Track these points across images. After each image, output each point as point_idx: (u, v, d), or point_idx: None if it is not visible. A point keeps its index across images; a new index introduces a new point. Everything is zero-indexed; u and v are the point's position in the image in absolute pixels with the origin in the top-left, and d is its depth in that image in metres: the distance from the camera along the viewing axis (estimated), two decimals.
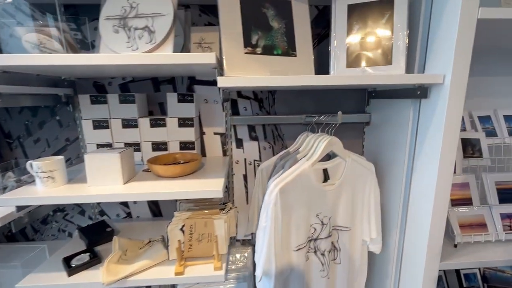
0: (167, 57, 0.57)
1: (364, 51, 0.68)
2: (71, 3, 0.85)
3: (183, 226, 0.75)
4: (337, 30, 0.70)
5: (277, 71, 0.66)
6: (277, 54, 0.66)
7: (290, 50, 0.68)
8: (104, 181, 0.66)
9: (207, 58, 0.57)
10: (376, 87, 0.92)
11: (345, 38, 0.69)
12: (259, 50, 0.64)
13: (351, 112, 0.99)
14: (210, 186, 0.65)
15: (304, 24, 0.70)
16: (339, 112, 0.66)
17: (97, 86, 0.92)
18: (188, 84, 0.94)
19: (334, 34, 0.70)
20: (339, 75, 0.66)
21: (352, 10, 0.69)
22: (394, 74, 0.66)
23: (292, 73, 0.68)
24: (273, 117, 0.97)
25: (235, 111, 0.97)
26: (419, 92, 0.68)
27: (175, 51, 0.84)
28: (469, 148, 0.92)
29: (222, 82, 0.58)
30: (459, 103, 0.61)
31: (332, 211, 0.73)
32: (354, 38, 0.69)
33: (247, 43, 0.63)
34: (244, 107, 0.97)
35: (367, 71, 0.68)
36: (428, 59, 0.67)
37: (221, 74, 0.62)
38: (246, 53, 0.63)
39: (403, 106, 0.78)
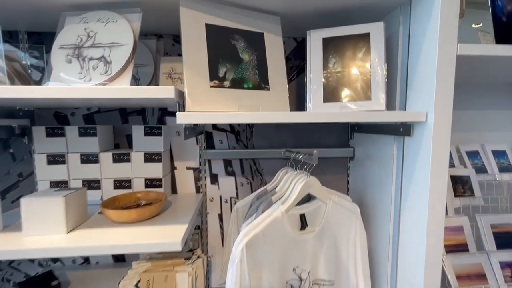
0: (118, 90, 0.51)
1: (342, 85, 0.64)
2: (35, 30, 0.80)
3: (139, 281, 0.64)
4: (313, 63, 0.66)
5: (247, 106, 0.60)
6: (248, 88, 0.61)
7: (262, 83, 0.63)
8: (43, 230, 0.56)
9: (165, 92, 0.51)
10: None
11: (321, 72, 0.65)
12: (227, 83, 0.59)
13: (334, 146, 0.94)
14: (168, 237, 0.56)
15: (277, 56, 0.66)
16: (315, 152, 0.59)
17: (59, 116, 0.84)
18: (159, 116, 0.88)
19: (310, 68, 0.66)
20: (315, 112, 0.61)
21: (328, 43, 0.65)
22: (374, 111, 0.61)
23: (264, 108, 0.62)
24: (251, 151, 0.90)
25: (210, 144, 0.90)
26: (402, 129, 0.63)
27: (143, 81, 0.79)
28: (459, 186, 0.86)
29: (181, 118, 0.51)
30: (445, 141, 0.56)
31: (312, 263, 0.64)
32: (330, 72, 0.65)
33: (213, 75, 0.57)
34: (219, 140, 0.91)
35: (345, 106, 0.63)
36: (409, 95, 0.63)
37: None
38: (212, 86, 0.57)
39: (386, 142, 0.72)
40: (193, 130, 0.69)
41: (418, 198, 0.60)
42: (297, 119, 0.55)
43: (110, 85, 0.54)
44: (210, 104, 0.56)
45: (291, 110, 0.90)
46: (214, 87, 0.57)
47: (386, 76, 0.62)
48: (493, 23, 0.62)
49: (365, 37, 0.63)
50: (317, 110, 0.65)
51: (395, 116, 0.56)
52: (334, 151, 0.92)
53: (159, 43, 0.81)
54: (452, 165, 0.91)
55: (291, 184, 0.67)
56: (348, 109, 0.63)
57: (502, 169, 0.92)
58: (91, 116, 0.86)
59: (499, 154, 0.94)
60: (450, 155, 0.92)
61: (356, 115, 0.56)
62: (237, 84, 0.60)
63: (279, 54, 0.66)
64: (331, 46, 0.65)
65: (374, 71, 0.62)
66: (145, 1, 0.60)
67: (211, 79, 0.57)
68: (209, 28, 0.58)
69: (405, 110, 0.65)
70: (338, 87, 0.64)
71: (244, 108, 0.59)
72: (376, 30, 0.62)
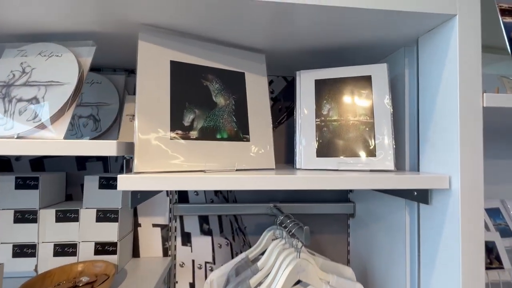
0: (37, 145, 0.38)
1: (339, 137, 0.52)
2: None
3: None
4: (303, 110, 0.55)
5: (217, 164, 0.47)
6: (222, 139, 0.49)
7: (240, 133, 0.51)
8: None
9: (104, 148, 0.38)
10: None
11: (314, 120, 0.54)
12: (194, 133, 0.46)
13: (332, 200, 0.79)
14: None
15: (261, 100, 0.55)
16: (306, 228, 0.45)
17: (0, 161, 0.70)
18: (124, 162, 0.74)
19: (300, 115, 0.54)
20: (306, 176, 0.48)
21: (321, 86, 0.55)
22: (380, 172, 0.48)
23: (243, 163, 0.49)
24: (232, 206, 0.75)
25: (183, 197, 0.76)
26: (417, 194, 0.50)
27: (104, 123, 0.67)
28: (484, 255, 0.71)
29: (123, 183, 0.38)
30: (477, 213, 0.42)
31: None
32: (325, 121, 0.53)
33: (176, 124, 0.45)
34: (195, 192, 0.76)
35: (344, 163, 0.51)
36: (423, 150, 0.51)
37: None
38: (173, 138, 0.44)
39: (395, 204, 0.58)
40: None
41: (444, 278, 0.45)
42: (282, 185, 0.42)
43: (35, 135, 0.41)
44: (167, 162, 0.43)
45: (280, 160, 0.77)
46: (176, 138, 0.45)
47: (393, 127, 0.50)
48: None
49: (366, 80, 0.53)
50: (310, 166, 0.52)
51: (409, 182, 0.43)
52: (330, 206, 0.77)
53: (128, 79, 0.71)
54: None
55: (277, 261, 0.51)
56: (348, 167, 0.50)
57: None
58: (41, 161, 0.72)
59: None
60: None
61: (359, 181, 0.43)
62: (208, 134, 0.47)
63: (263, 97, 0.55)
64: (325, 89, 0.54)
65: (378, 121, 0.50)
66: (101, 32, 0.50)
67: (172, 128, 0.45)
68: (175, 66, 0.47)
69: (418, 168, 0.52)
70: (334, 139, 0.52)
71: (214, 166, 0.46)
72: (378, 73, 0.52)
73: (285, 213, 0.59)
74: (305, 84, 0.55)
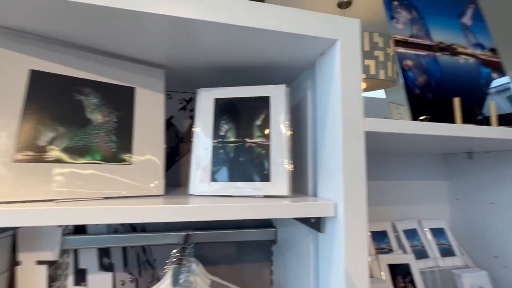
0: None
1: (235, 160, 0.48)
2: None
3: None
4: (201, 130, 0.50)
5: (84, 189, 0.40)
6: (93, 161, 0.42)
7: (120, 155, 0.44)
8: None
9: None
10: None
11: (211, 142, 0.50)
12: (52, 155, 0.39)
13: (253, 226, 0.75)
14: None
15: (153, 119, 0.50)
16: (174, 267, 0.39)
17: None
18: None
19: (197, 136, 0.50)
20: (184, 205, 0.43)
21: (221, 106, 0.51)
22: (271, 198, 0.45)
23: (118, 189, 0.43)
24: (140, 235, 0.66)
25: (79, 226, 0.65)
26: (314, 222, 0.47)
27: None
28: (399, 277, 0.71)
29: None
30: (360, 242, 0.40)
31: None
32: (222, 142, 0.49)
33: (26, 143, 0.37)
34: None
35: (238, 188, 0.47)
36: (319, 178, 0.49)
37: None
38: (19, 160, 0.37)
39: (302, 231, 0.56)
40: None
41: None
42: (156, 217, 0.36)
43: None
44: (7, 190, 0.35)
45: (185, 183, 0.71)
46: (23, 161, 0.37)
47: (290, 150, 0.48)
48: (406, 96, 0.55)
49: (264, 101, 0.51)
50: (203, 191, 0.48)
51: (293, 210, 0.40)
52: (251, 233, 0.72)
53: None
54: (389, 248, 0.77)
55: None
56: (242, 192, 0.46)
57: (443, 252, 0.80)
58: None
59: (437, 233, 0.83)
60: (387, 236, 0.78)
61: (240, 211, 0.39)
62: (73, 156, 0.41)
63: (156, 115, 0.50)
64: (224, 109, 0.51)
65: (274, 144, 0.48)
66: None
67: (20, 149, 0.37)
68: (37, 76, 0.40)
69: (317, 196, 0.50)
70: (230, 162, 0.48)
71: (77, 193, 0.39)
72: (277, 94, 0.51)
73: (181, 245, 0.52)
74: (204, 103, 0.52)
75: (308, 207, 0.41)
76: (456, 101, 0.56)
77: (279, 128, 0.49)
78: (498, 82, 0.65)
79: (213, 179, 0.48)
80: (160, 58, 0.51)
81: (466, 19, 0.69)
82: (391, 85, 2.64)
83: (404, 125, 0.43)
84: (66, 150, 0.40)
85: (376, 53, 2.58)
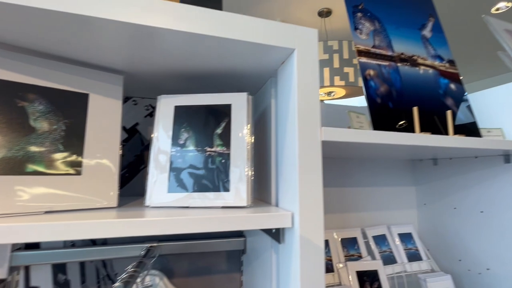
0: None
1: (194, 169, 0.47)
2: None
3: None
4: (160, 139, 0.49)
5: (23, 203, 0.37)
6: (35, 172, 0.39)
7: (68, 164, 0.42)
8: None
9: None
10: None
11: (169, 151, 0.48)
12: None
13: (221, 236, 0.73)
14: None
15: (108, 127, 0.47)
16: (116, 286, 0.37)
17: None
18: None
19: (155, 144, 0.48)
20: (147, 217, 0.41)
21: (181, 113, 0.50)
22: (227, 209, 0.44)
23: (64, 202, 0.40)
24: (99, 249, 0.63)
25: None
26: (274, 232, 0.47)
27: None
28: (367, 284, 0.71)
29: None
30: (315, 251, 0.40)
31: None
32: (180, 151, 0.48)
33: None
34: None
35: (195, 199, 0.45)
36: (280, 188, 0.48)
37: None
38: None
39: (265, 241, 0.55)
40: None
41: None
42: (102, 233, 0.33)
43: None
44: None
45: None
46: None
47: (251, 159, 0.47)
48: (368, 104, 0.56)
49: (226, 109, 0.50)
50: (160, 202, 0.46)
51: (246, 222, 0.39)
52: (219, 243, 0.70)
53: None
54: (359, 255, 0.77)
55: None
56: (199, 203, 0.45)
57: (411, 256, 0.82)
58: None
59: (405, 238, 0.85)
60: (357, 242, 0.79)
61: (196, 224, 0.37)
62: (11, 167, 0.38)
63: (113, 123, 0.48)
64: (184, 117, 0.50)
65: (235, 152, 0.47)
66: None
67: None
68: None
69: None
70: (189, 171, 0.47)
71: (14, 207, 0.36)
72: (238, 102, 0.50)
73: (139, 259, 0.50)
74: (165, 110, 0.50)
75: (263, 218, 0.40)
76: (415, 111, 0.58)
77: (240, 136, 0.48)
78: (456, 92, 0.68)
79: (171, 190, 0.46)
80: (118, 64, 0.49)
81: (426, 32, 0.72)
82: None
83: (359, 134, 0.44)
84: (3, 161, 0.37)
85: (355, 61, 2.66)
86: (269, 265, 0.52)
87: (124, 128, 0.70)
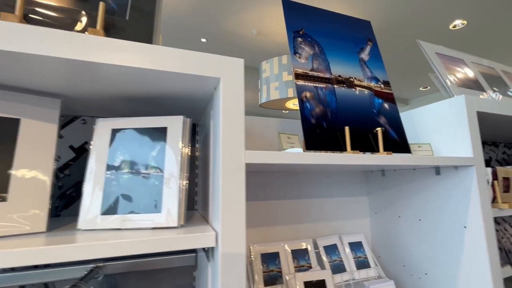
0: None
1: (128, 191, 0.48)
2: None
3: None
4: (96, 161, 0.50)
5: None
6: None
7: None
8: None
9: None
10: None
11: (104, 174, 0.49)
12: None
13: (173, 252, 0.74)
14: None
15: (40, 152, 0.48)
16: None
17: None
18: None
19: (91, 167, 0.49)
20: (70, 243, 0.41)
21: (118, 136, 0.51)
22: (157, 230, 0.45)
23: None
24: (40, 272, 0.62)
25: None
26: (206, 250, 0.49)
27: None
28: None
29: None
30: (236, 270, 0.42)
31: None
32: (115, 174, 0.49)
33: None
34: None
35: (128, 220, 0.46)
36: (213, 209, 0.51)
37: None
38: None
39: (204, 257, 0.56)
40: None
41: None
42: (26, 260, 0.34)
43: None
44: None
45: None
46: None
47: (185, 182, 0.49)
48: (302, 125, 0.60)
49: (162, 132, 0.52)
50: (93, 225, 0.46)
51: (167, 244, 0.41)
52: (171, 259, 0.71)
53: None
54: (309, 265, 0.80)
55: None
56: (131, 224, 0.46)
57: (359, 264, 0.86)
58: None
59: (356, 247, 0.90)
60: (307, 253, 0.82)
61: (111, 248, 0.39)
62: None
63: (46, 148, 0.48)
64: (121, 140, 0.51)
65: (168, 174, 0.49)
66: None
67: None
68: None
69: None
70: (123, 193, 0.48)
71: None
72: (174, 125, 0.52)
73: (75, 282, 0.50)
74: (101, 133, 0.51)
75: (186, 239, 0.42)
76: (346, 130, 0.63)
77: (174, 159, 0.50)
78: (389, 111, 0.74)
79: (104, 212, 0.47)
80: (55, 88, 0.50)
81: (364, 55, 0.79)
82: None
83: (282, 156, 0.47)
84: None
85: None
86: (206, 281, 0.54)
87: (72, 148, 0.70)
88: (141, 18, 0.50)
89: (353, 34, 0.80)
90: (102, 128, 0.52)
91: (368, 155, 0.58)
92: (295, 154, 0.48)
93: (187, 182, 0.50)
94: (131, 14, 0.50)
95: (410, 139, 0.88)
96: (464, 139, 0.71)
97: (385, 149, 0.68)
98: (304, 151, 0.52)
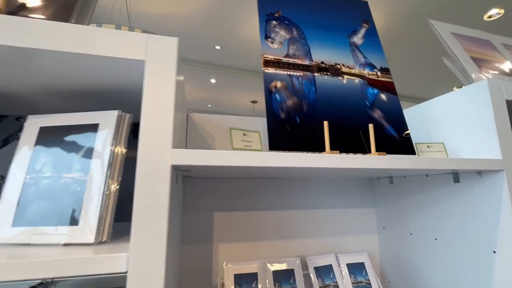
0: None
1: (45, 199, 0.41)
2: None
3: None
4: (19, 163, 0.43)
5: None
6: None
7: None
8: None
9: None
10: None
11: (23, 178, 0.42)
12: None
13: None
14: None
15: None
16: None
17: None
18: None
19: (13, 170, 0.43)
20: None
21: (46, 135, 0.45)
22: (72, 246, 0.37)
23: None
24: None
25: None
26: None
27: None
28: None
29: None
30: None
31: None
32: (36, 178, 0.42)
33: None
34: None
35: (40, 234, 0.39)
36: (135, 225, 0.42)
37: None
38: None
39: None
40: None
41: None
42: None
43: None
44: None
45: None
46: None
47: (114, 188, 0.41)
48: (267, 120, 0.49)
49: (93, 129, 0.44)
50: (1, 239, 0.39)
51: (86, 266, 0.32)
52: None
53: None
54: None
55: None
56: (43, 239, 0.39)
57: None
58: None
59: (356, 269, 0.74)
60: (293, 275, 0.69)
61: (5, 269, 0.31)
62: None
63: None
64: (48, 139, 0.45)
65: (91, 180, 0.41)
66: None
67: None
68: None
69: None
70: (40, 201, 0.41)
71: None
72: (107, 121, 0.44)
73: None
74: (29, 131, 0.45)
75: (90, 261, 0.33)
76: (325, 125, 0.50)
77: (101, 160, 0.42)
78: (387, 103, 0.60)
79: (16, 223, 0.40)
80: None
81: (357, 38, 0.66)
82: None
83: (217, 156, 0.37)
84: None
85: None
86: None
87: None
88: None
89: (344, 16, 0.68)
90: (31, 126, 0.46)
91: (350, 156, 0.45)
92: (238, 154, 0.37)
93: (117, 188, 0.42)
94: None
95: (421, 138, 0.72)
96: (489, 136, 0.55)
97: (380, 149, 0.55)
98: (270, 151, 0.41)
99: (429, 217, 0.68)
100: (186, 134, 0.75)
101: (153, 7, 3.00)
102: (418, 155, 0.58)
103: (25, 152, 0.44)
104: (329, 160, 0.44)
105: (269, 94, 0.52)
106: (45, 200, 0.41)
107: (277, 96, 0.52)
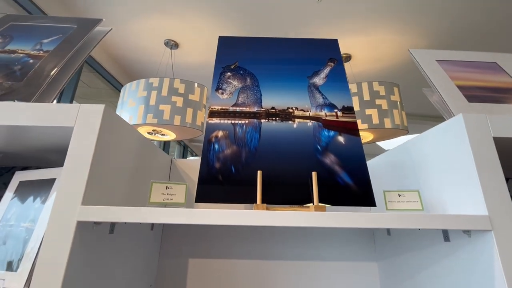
0: None
1: (2, 246, 0.48)
2: None
3: None
4: None
5: None
6: None
7: None
8: None
9: None
10: None
11: None
12: None
13: None
14: None
15: None
16: None
17: None
18: None
19: None
20: None
21: (22, 188, 0.54)
22: None
23: None
24: None
25: None
26: None
27: None
28: None
29: None
30: None
31: None
32: (3, 226, 0.51)
33: None
34: None
35: None
36: None
37: None
38: None
39: None
40: None
41: None
42: None
43: None
44: None
45: None
46: None
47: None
48: (199, 172, 0.50)
49: (50, 184, 0.52)
50: None
51: None
52: None
53: None
54: None
55: None
56: None
57: None
58: None
59: None
60: None
61: None
62: None
63: None
64: (22, 191, 0.54)
65: (37, 230, 0.47)
66: None
67: None
68: None
69: None
70: None
71: None
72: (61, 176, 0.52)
73: None
74: (13, 184, 0.56)
75: None
76: (259, 175, 0.48)
77: (48, 212, 0.48)
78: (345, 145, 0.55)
79: None
80: None
81: (318, 79, 0.63)
82: (403, 133, 2.40)
83: (119, 211, 0.38)
84: None
85: (378, 101, 2.45)
86: None
87: None
88: (34, 80, 0.55)
89: (307, 58, 0.67)
90: (15, 179, 0.56)
91: (279, 212, 0.41)
92: (136, 210, 0.38)
93: None
94: (27, 78, 0.56)
95: (395, 186, 0.61)
96: (471, 184, 0.44)
97: (330, 200, 0.49)
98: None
99: (426, 281, 0.54)
100: (168, 179, 0.80)
101: (194, 57, 3.40)
102: (386, 206, 0.49)
103: (5, 201, 0.54)
104: (248, 216, 0.41)
105: (207, 144, 0.53)
106: (3, 247, 0.48)
107: (216, 146, 0.53)
